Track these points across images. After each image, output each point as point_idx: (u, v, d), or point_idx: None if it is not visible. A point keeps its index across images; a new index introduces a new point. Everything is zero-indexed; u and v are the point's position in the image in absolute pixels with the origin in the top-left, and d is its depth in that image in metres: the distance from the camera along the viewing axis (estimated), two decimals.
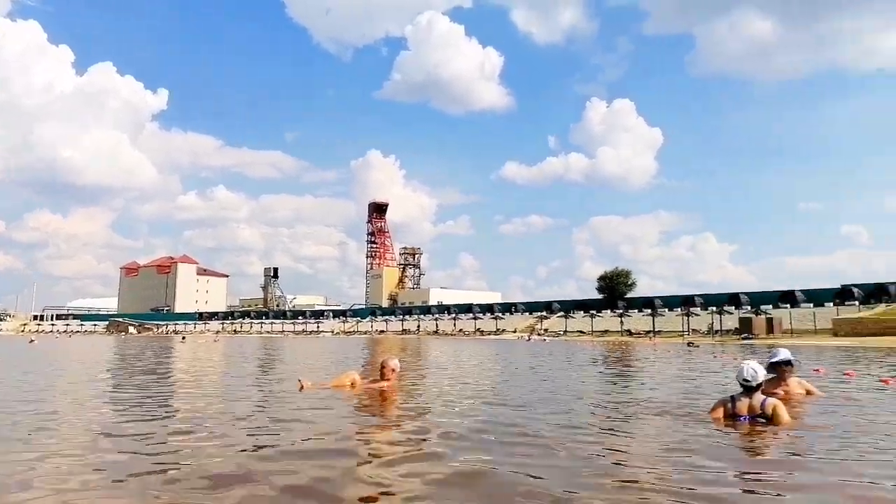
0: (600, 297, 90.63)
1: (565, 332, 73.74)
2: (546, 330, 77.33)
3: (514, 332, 78.62)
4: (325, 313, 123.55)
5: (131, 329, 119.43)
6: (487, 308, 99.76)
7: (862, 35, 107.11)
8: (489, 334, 77.50)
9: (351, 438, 4.61)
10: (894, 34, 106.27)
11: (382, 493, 3.15)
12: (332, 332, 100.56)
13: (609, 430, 5.17)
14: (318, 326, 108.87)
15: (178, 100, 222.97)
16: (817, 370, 11.85)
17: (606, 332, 69.58)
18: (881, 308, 56.10)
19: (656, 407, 6.56)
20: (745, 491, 3.22)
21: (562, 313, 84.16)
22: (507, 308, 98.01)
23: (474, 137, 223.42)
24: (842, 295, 63.71)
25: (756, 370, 5.23)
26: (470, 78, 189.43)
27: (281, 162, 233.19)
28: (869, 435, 4.79)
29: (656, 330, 64.47)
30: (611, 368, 14.57)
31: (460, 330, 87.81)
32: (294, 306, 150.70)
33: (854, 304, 60.57)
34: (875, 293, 61.31)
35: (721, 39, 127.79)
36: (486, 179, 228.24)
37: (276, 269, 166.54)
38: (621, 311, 76.20)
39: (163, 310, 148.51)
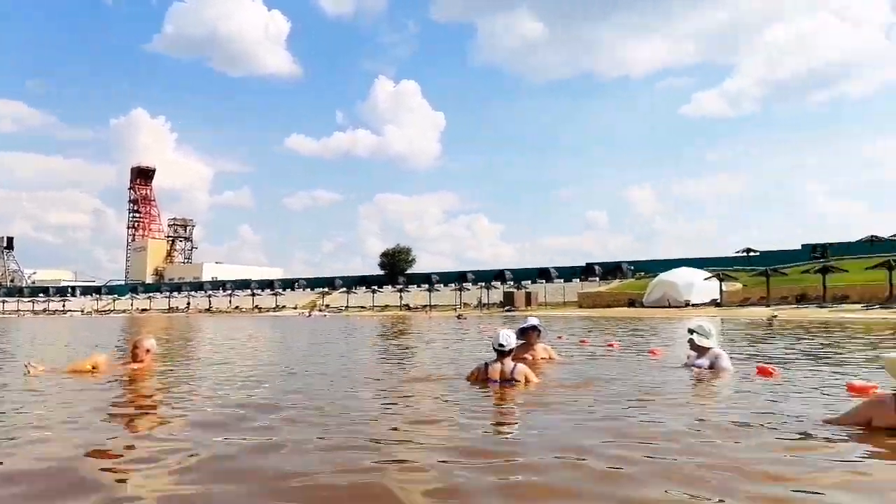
0: (382, 273, 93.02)
1: (347, 307, 74.26)
2: (328, 306, 77.12)
3: (295, 308, 77.06)
4: (73, 290, 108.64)
5: None
6: (267, 284, 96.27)
7: (613, 45, 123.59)
8: (268, 311, 74.90)
9: (88, 428, 4.04)
10: (639, 47, 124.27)
11: (118, 483, 2.80)
12: (83, 311, 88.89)
13: (380, 396, 5.28)
14: (63, 305, 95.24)
15: None
16: (560, 337, 13.47)
17: (387, 307, 71.59)
18: (616, 283, 65.87)
19: (422, 373, 6.92)
20: (496, 446, 3.48)
21: (344, 289, 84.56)
22: (289, 284, 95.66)
23: (258, 104, 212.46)
24: (586, 272, 73.51)
25: (510, 335, 5.73)
26: (253, 39, 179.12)
27: (21, 114, 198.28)
28: (595, 387, 5.53)
29: (432, 304, 67.98)
30: (386, 340, 14.97)
31: (236, 307, 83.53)
32: (34, 282, 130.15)
33: (595, 280, 70.24)
34: (612, 270, 71.83)
35: (499, 34, 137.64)
36: (269, 150, 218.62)
37: (10, 239, 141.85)
38: (401, 286, 78.91)
39: None
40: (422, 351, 11.63)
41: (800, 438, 3.50)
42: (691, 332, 6.91)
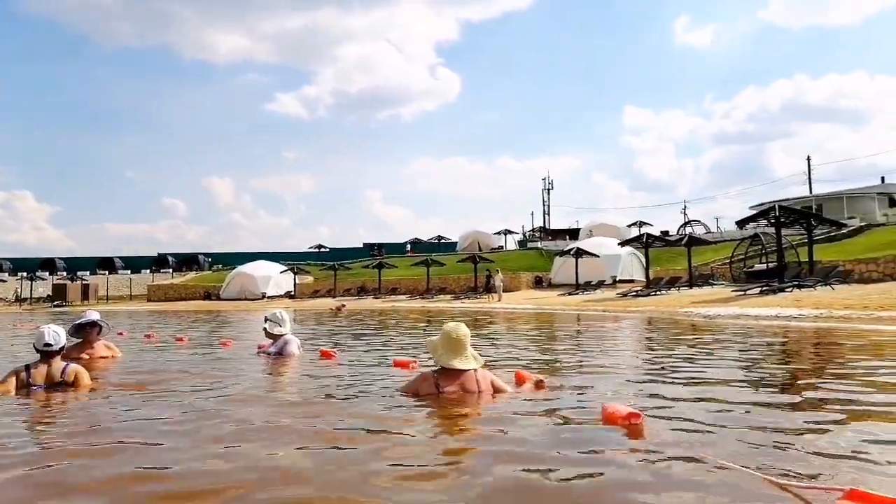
0: None
1: None
2: None
3: None
4: None
5: None
6: None
7: (193, 25, 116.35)
8: None
9: None
10: (221, 35, 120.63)
11: None
12: None
13: None
14: None
15: None
16: (121, 333, 12.13)
17: None
18: (192, 275, 63.00)
19: None
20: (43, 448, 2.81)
21: None
22: None
23: None
24: (158, 263, 68.32)
25: (59, 333, 4.94)
26: None
27: None
28: (157, 384, 5.09)
29: None
30: None
31: None
32: None
33: (169, 272, 65.85)
34: (187, 261, 68.44)
35: None
36: None
37: None
38: None
39: None
40: None
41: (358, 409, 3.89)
42: (266, 320, 7.10)
